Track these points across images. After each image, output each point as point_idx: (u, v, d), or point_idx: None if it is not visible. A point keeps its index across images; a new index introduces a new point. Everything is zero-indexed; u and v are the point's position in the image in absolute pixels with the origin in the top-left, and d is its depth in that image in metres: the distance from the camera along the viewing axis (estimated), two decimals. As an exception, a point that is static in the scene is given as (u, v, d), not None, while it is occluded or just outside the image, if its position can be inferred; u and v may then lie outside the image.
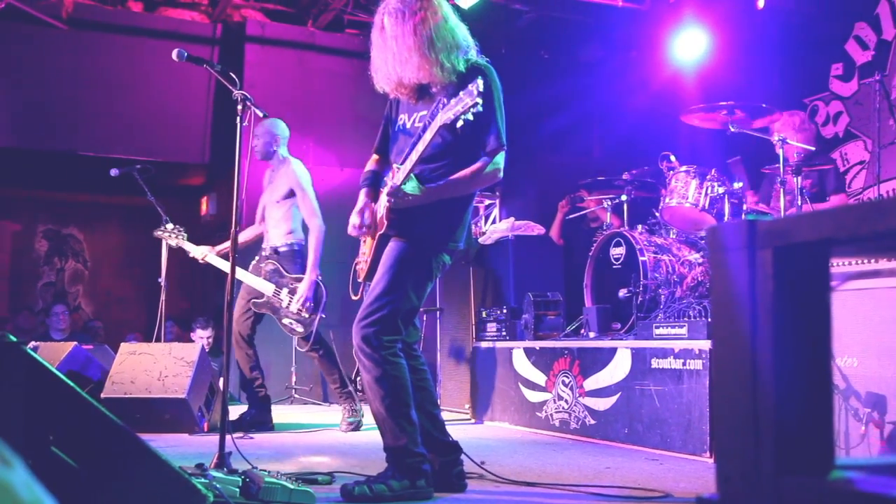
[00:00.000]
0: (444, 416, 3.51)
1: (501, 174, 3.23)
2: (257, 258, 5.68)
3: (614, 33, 8.28)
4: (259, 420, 5.51)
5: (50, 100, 8.15)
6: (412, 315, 3.25)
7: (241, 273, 5.57)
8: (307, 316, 5.40)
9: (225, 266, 5.49)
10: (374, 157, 3.53)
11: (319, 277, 5.47)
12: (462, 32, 3.23)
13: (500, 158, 3.21)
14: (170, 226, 5.85)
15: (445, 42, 3.13)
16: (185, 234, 5.84)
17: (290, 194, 5.60)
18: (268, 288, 5.52)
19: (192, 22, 8.80)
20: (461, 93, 2.92)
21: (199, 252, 5.71)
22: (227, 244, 5.68)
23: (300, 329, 5.45)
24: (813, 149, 5.37)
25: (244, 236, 5.80)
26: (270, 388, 5.78)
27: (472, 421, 6.24)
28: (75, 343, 5.95)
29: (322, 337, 5.53)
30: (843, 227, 1.22)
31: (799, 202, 4.91)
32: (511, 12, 8.42)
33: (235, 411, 5.56)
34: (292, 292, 5.44)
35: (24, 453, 1.93)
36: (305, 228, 5.62)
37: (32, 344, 5.91)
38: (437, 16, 3.15)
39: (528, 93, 8.72)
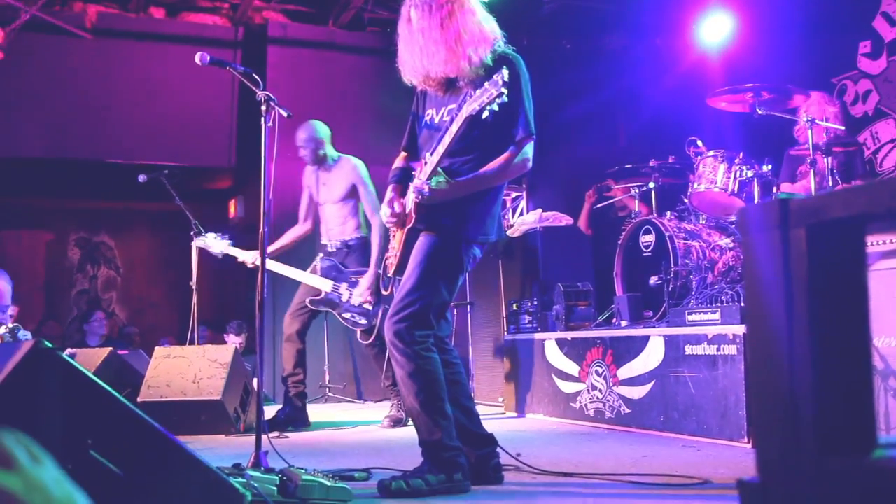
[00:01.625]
0: (478, 409, 3.51)
1: (531, 164, 3.21)
2: (320, 256, 5.74)
3: (637, 20, 8.21)
4: (294, 417, 5.56)
5: (76, 109, 8.23)
6: (443, 309, 3.24)
7: (296, 273, 5.67)
8: (370, 308, 5.46)
9: (276, 268, 5.61)
10: (403, 154, 3.52)
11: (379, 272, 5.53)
12: (490, 25, 3.20)
13: (529, 148, 3.18)
14: (210, 234, 5.88)
15: (473, 35, 3.11)
16: (230, 241, 5.88)
17: (352, 191, 5.68)
18: (325, 285, 5.57)
19: (213, 26, 8.85)
20: (486, 83, 2.90)
21: (249, 256, 5.71)
22: (278, 245, 5.80)
23: (363, 321, 5.51)
24: (843, 128, 5.30)
25: (289, 237, 5.90)
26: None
27: (506, 413, 6.23)
28: (111, 348, 6.02)
29: (381, 332, 5.57)
30: (878, 202, 1.20)
31: (830, 182, 4.84)
32: (533, 2, 8.39)
33: (270, 411, 5.60)
34: (352, 286, 5.50)
35: (63, 459, 1.95)
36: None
37: (69, 350, 5.98)
38: (464, 9, 3.13)
39: (551, 83, 8.66)
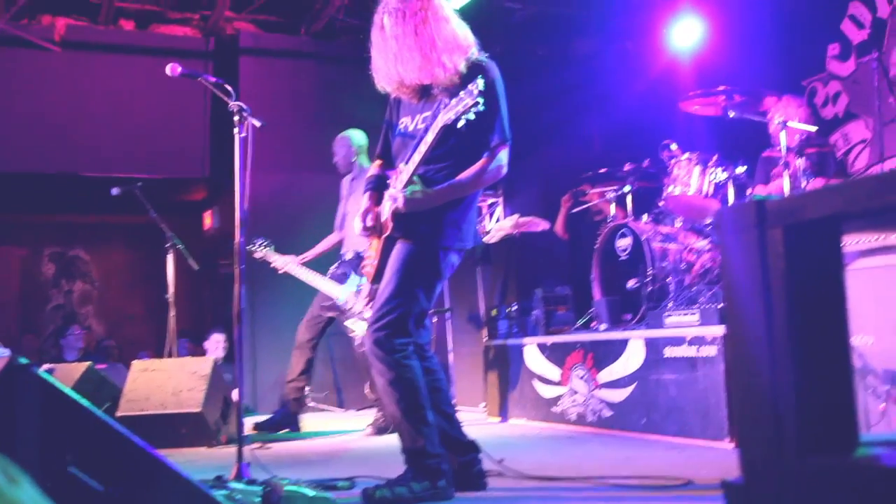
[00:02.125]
0: (460, 415, 3.50)
1: (505, 170, 3.21)
2: (336, 263, 5.79)
3: (608, 25, 8.27)
4: (286, 422, 5.60)
5: (47, 122, 8.14)
6: (422, 317, 3.24)
7: (316, 279, 5.71)
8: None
9: (304, 276, 5.69)
10: (377, 161, 3.51)
11: None
12: (464, 33, 3.21)
13: (504, 155, 3.19)
14: (258, 240, 5.92)
15: (447, 42, 3.11)
16: (273, 246, 5.93)
17: None
18: (337, 292, 5.59)
19: (184, 37, 8.79)
20: (462, 92, 2.90)
21: (281, 262, 5.83)
22: (313, 253, 5.91)
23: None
24: (814, 129, 5.35)
25: (324, 245, 6.01)
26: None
27: (489, 419, 6.23)
28: (90, 363, 5.95)
29: None
30: (854, 201, 1.21)
31: (804, 184, 4.89)
32: (504, 10, 8.42)
33: (251, 422, 5.57)
34: (358, 293, 5.50)
35: (41, 476, 1.93)
36: None
37: (47, 366, 5.91)
38: (438, 16, 3.13)
39: (525, 89, 8.68)
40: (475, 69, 3.10)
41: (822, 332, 1.27)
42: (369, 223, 3.33)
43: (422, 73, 3.12)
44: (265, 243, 5.92)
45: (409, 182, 3.12)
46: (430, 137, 3.06)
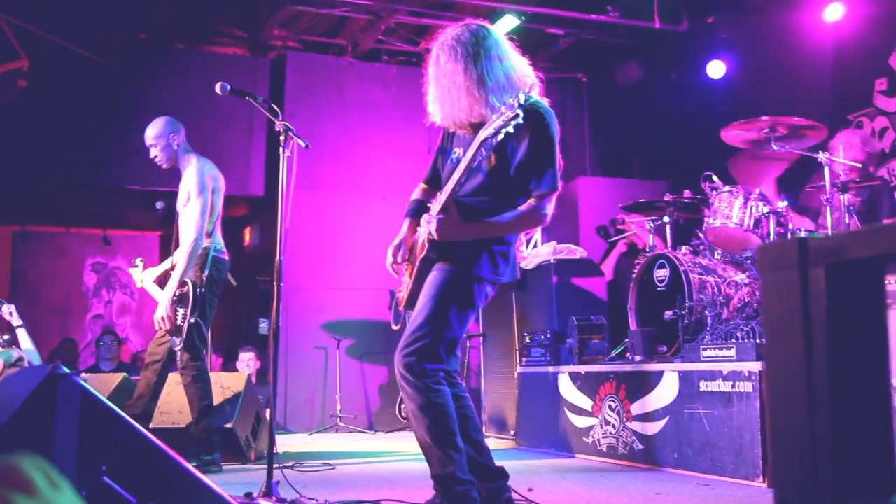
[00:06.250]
0: (489, 442, 3.48)
1: (549, 220, 3.18)
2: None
3: (653, 55, 8.27)
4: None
5: (98, 135, 8.31)
6: (455, 344, 3.22)
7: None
8: (168, 327, 5.03)
9: (157, 294, 5.26)
10: (422, 185, 3.51)
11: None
12: (520, 73, 3.17)
13: (550, 205, 3.15)
14: (138, 260, 5.67)
15: (498, 82, 3.08)
16: (143, 262, 5.63)
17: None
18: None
19: (233, 56, 8.95)
20: (502, 107, 2.89)
21: (136, 275, 5.56)
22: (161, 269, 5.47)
23: (177, 341, 5.04)
24: (860, 165, 5.29)
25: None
26: (315, 417, 5.82)
27: (518, 447, 6.19)
28: (124, 374, 6.03)
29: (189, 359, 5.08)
30: (899, 243, 1.19)
31: (847, 220, 4.83)
32: (548, 36, 8.47)
33: (282, 441, 5.58)
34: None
35: (77, 484, 1.95)
36: None
37: (83, 376, 6.00)
38: (490, 54, 3.10)
39: (567, 115, 8.70)
40: (528, 113, 2.98)
41: (862, 373, 1.25)
42: (400, 259, 3.33)
43: (471, 112, 3.10)
44: (141, 260, 5.61)
45: (446, 207, 3.11)
46: (470, 154, 3.03)
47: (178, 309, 4.96)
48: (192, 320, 4.90)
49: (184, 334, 4.90)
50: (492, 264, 3.20)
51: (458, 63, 3.08)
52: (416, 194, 3.50)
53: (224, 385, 5.39)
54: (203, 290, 4.95)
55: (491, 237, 3.18)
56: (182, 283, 4.97)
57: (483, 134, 2.95)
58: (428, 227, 3.13)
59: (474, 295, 3.19)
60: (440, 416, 3.09)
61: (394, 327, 3.52)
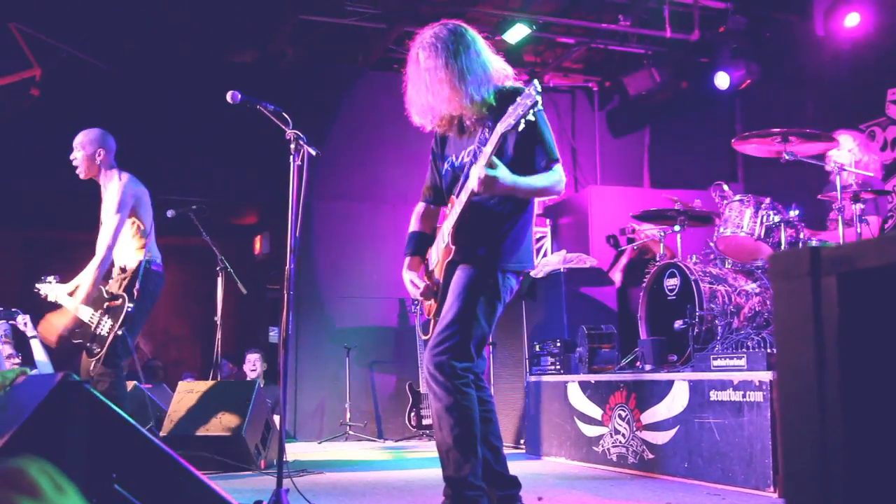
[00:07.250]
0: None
1: (564, 183, 3.22)
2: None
3: (664, 63, 8.27)
4: None
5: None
6: (483, 341, 3.22)
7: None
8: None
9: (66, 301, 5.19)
10: (421, 207, 3.52)
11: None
12: (498, 66, 3.26)
13: (560, 168, 3.19)
14: (50, 278, 5.57)
15: (476, 75, 3.16)
16: (55, 279, 5.52)
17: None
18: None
19: (243, 65, 8.98)
20: (518, 98, 2.90)
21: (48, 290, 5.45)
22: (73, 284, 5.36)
23: (96, 348, 5.03)
24: (871, 175, 5.27)
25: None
26: (325, 425, 5.80)
27: (528, 456, 6.17)
28: (135, 382, 6.05)
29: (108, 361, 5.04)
30: (911, 252, 1.19)
31: (859, 230, 4.81)
32: (559, 45, 8.48)
33: (292, 449, 5.58)
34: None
35: (87, 491, 1.96)
36: None
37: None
38: (469, 49, 3.19)
39: (578, 124, 8.70)
40: (507, 95, 3.09)
41: (875, 383, 1.24)
42: (421, 290, 3.35)
43: (451, 104, 3.17)
44: (54, 278, 5.51)
45: (488, 164, 3.03)
46: (489, 149, 3.01)
47: (106, 319, 4.99)
48: (120, 332, 4.92)
49: (106, 344, 4.91)
50: (511, 252, 3.23)
51: (439, 58, 3.15)
52: (414, 224, 3.52)
53: (234, 393, 5.40)
54: (133, 306, 4.99)
55: (506, 228, 3.21)
56: (115, 297, 5.04)
57: (502, 127, 2.96)
58: (478, 182, 3.00)
59: (499, 288, 3.21)
60: (465, 419, 3.09)
61: (423, 337, 3.53)
